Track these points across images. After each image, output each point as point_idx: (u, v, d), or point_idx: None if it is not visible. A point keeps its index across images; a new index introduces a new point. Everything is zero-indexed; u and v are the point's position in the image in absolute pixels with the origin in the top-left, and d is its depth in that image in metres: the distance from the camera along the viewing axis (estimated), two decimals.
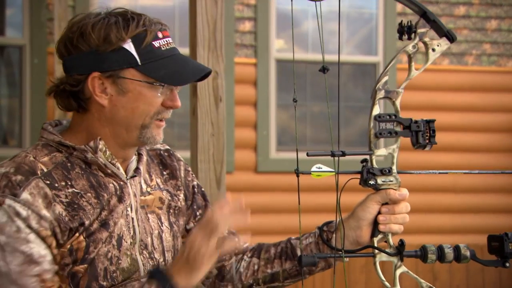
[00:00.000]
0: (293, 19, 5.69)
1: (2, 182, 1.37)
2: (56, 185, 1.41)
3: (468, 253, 1.46)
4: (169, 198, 1.62)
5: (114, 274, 1.45)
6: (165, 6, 5.86)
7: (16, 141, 5.48)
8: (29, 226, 1.35)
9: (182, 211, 1.66)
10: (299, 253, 1.63)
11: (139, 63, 1.44)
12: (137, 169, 1.55)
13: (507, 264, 1.45)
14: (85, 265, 1.41)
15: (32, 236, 1.35)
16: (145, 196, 1.56)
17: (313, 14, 5.87)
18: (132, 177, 1.53)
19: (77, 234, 1.40)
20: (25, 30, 5.39)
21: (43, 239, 1.37)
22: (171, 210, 1.62)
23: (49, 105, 5.29)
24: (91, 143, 1.46)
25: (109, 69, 1.45)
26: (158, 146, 1.70)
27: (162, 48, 1.46)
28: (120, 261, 1.46)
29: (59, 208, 1.39)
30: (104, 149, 1.48)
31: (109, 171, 1.48)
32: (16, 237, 1.34)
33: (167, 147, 1.72)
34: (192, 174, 1.72)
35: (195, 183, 1.72)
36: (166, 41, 1.48)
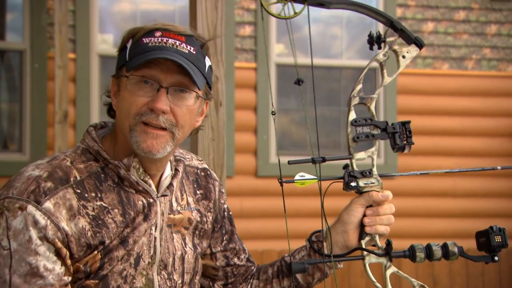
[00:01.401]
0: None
1: (31, 187, 1.36)
2: (86, 195, 1.40)
3: (456, 250, 1.48)
4: (198, 219, 1.60)
5: None
6: (166, 11, 5.87)
7: (16, 145, 5.48)
8: (43, 237, 1.34)
9: (207, 233, 1.64)
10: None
11: (127, 59, 1.42)
12: (170, 185, 1.52)
13: (496, 258, 1.46)
14: (96, 280, 1.41)
15: (42, 249, 1.34)
16: (174, 215, 1.54)
17: (313, 19, 5.89)
18: (163, 195, 1.51)
19: (95, 252, 1.40)
20: (26, 34, 5.40)
21: (58, 249, 1.36)
22: (196, 232, 1.60)
23: (49, 110, 5.30)
24: (125, 160, 1.44)
25: (116, 70, 1.47)
26: (196, 163, 1.67)
27: (149, 44, 1.40)
28: (134, 280, 1.45)
29: (82, 222, 1.39)
30: (137, 166, 1.46)
31: (140, 188, 1.46)
32: (26, 247, 1.34)
33: (205, 165, 1.70)
34: (225, 196, 1.71)
35: (226, 206, 1.71)
36: (162, 39, 1.41)
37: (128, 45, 1.43)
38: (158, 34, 1.42)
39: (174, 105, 1.42)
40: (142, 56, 1.39)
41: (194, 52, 1.43)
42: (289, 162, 1.44)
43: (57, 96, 4.98)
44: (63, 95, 4.97)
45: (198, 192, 1.64)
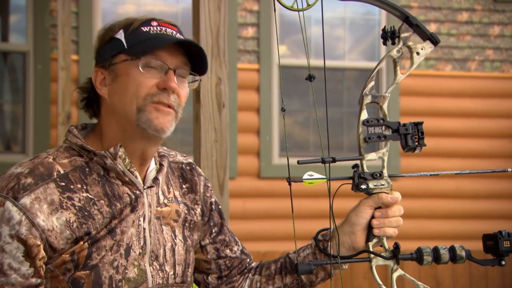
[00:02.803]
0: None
1: (11, 183, 1.39)
2: (72, 186, 1.42)
3: (463, 253, 1.47)
4: (186, 211, 1.61)
5: (120, 284, 1.44)
6: (169, 12, 5.88)
7: (19, 147, 5.49)
8: (15, 235, 1.35)
9: (198, 225, 1.65)
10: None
11: (126, 47, 1.47)
12: (155, 179, 1.54)
13: (503, 262, 1.46)
14: (87, 271, 1.41)
15: (9, 247, 1.35)
16: (161, 208, 1.55)
17: (316, 20, 5.89)
18: (150, 187, 1.52)
19: (81, 242, 1.41)
20: (29, 36, 5.41)
21: (28, 249, 1.36)
22: (186, 224, 1.61)
23: (52, 111, 5.31)
24: (111, 149, 1.46)
25: (104, 60, 1.50)
26: (181, 159, 1.69)
27: (151, 32, 1.47)
28: (126, 271, 1.45)
29: (67, 214, 1.40)
30: (123, 156, 1.47)
31: (126, 178, 1.48)
32: None
33: (190, 160, 1.71)
34: (211, 190, 1.72)
35: (213, 199, 1.71)
36: (161, 28, 1.48)
37: (120, 36, 1.48)
38: (154, 23, 1.49)
39: (178, 86, 1.48)
40: (149, 42, 1.45)
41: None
42: (298, 162, 1.42)
43: (60, 98, 4.99)
44: (66, 96, 4.98)
45: (184, 186, 1.65)
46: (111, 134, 1.50)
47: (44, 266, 1.39)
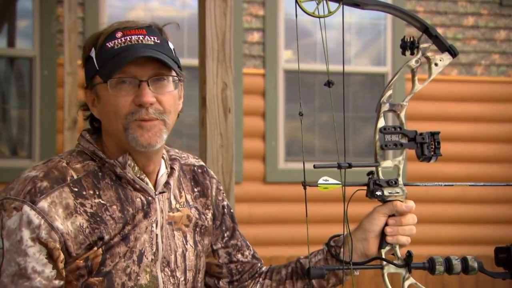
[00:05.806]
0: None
1: (27, 187, 1.39)
2: (84, 193, 1.43)
3: (476, 265, 1.46)
4: (197, 216, 1.61)
5: None
6: (174, 18, 5.89)
7: (25, 152, 5.50)
8: (36, 238, 1.35)
9: (209, 230, 1.65)
10: None
11: (97, 68, 1.45)
12: (167, 184, 1.54)
13: None
14: (100, 278, 1.41)
15: (32, 250, 1.35)
16: (173, 213, 1.55)
17: (322, 25, 5.89)
18: (161, 192, 1.52)
19: (95, 248, 1.41)
20: (35, 41, 5.43)
21: (50, 251, 1.37)
22: (197, 229, 1.61)
23: (59, 117, 5.32)
24: (120, 158, 1.47)
25: (86, 81, 1.49)
26: (193, 161, 1.68)
27: (115, 47, 1.43)
28: (139, 277, 1.45)
29: (80, 220, 1.40)
30: (132, 164, 1.48)
31: (137, 186, 1.48)
32: (16, 247, 1.35)
33: (202, 163, 1.71)
34: (223, 193, 1.71)
35: (225, 203, 1.71)
36: (126, 38, 1.44)
37: (93, 54, 1.46)
38: (119, 34, 1.45)
39: (158, 94, 1.45)
40: (113, 61, 1.42)
41: (158, 41, 1.47)
42: (314, 166, 1.42)
43: (66, 103, 5.00)
44: (72, 101, 4.99)
45: (195, 189, 1.64)
46: (110, 149, 1.50)
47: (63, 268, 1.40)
